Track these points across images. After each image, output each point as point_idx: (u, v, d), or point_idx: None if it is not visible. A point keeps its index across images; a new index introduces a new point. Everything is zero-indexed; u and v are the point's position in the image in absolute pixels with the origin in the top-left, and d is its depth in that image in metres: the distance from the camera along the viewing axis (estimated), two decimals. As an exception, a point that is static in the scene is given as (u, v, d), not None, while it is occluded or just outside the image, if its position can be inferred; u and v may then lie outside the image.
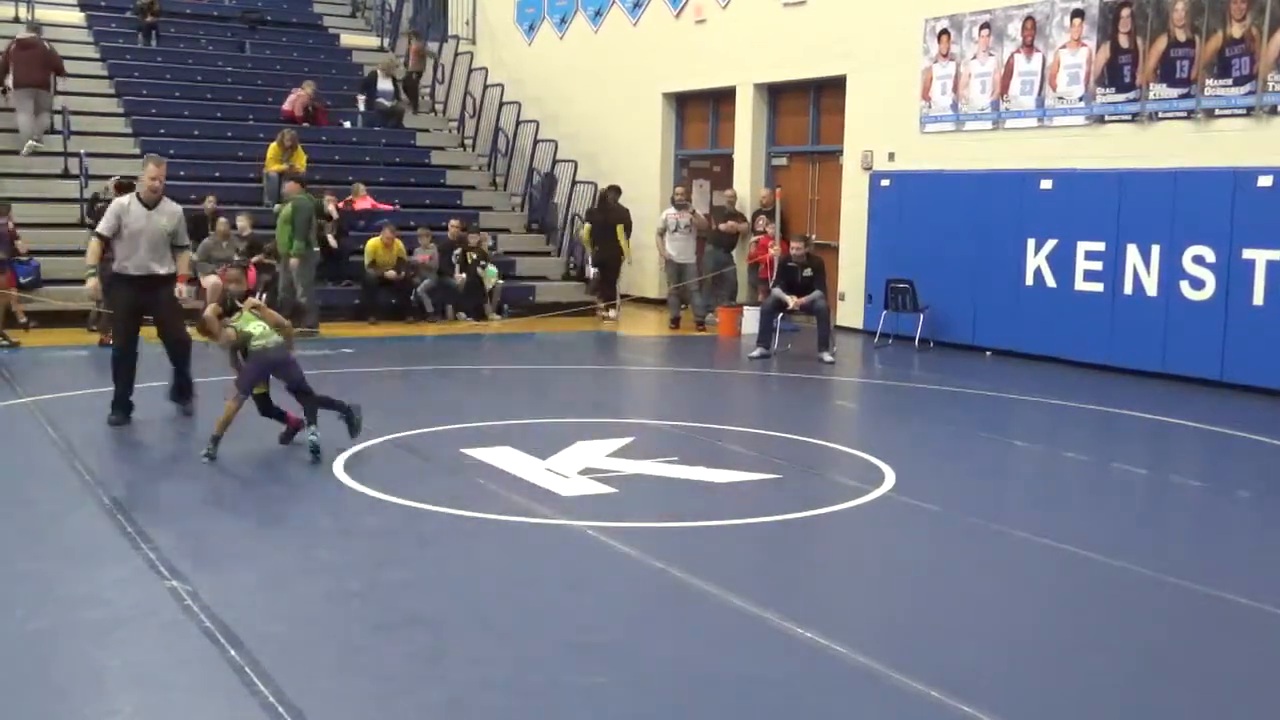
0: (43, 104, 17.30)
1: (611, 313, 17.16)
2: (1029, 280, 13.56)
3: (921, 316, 14.34)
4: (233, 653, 4.65)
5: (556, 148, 19.59)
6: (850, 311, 15.76)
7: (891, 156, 15.43)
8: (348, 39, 23.50)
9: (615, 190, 17.28)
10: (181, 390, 9.37)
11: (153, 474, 7.58)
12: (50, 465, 7.79)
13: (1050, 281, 13.33)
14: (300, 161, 17.50)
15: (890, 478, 7.79)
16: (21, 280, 14.25)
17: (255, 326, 8.03)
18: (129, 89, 19.25)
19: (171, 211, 9.13)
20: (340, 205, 16.75)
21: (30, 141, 17.04)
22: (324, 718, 4.17)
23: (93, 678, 4.52)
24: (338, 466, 7.75)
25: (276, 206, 15.25)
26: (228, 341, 8.09)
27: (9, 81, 17.17)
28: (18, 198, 15.44)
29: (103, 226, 8.99)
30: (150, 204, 8.98)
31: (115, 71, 19.71)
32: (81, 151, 16.33)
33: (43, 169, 16.83)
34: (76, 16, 21.14)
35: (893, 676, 4.57)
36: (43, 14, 19.91)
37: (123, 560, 5.83)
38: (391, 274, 16.14)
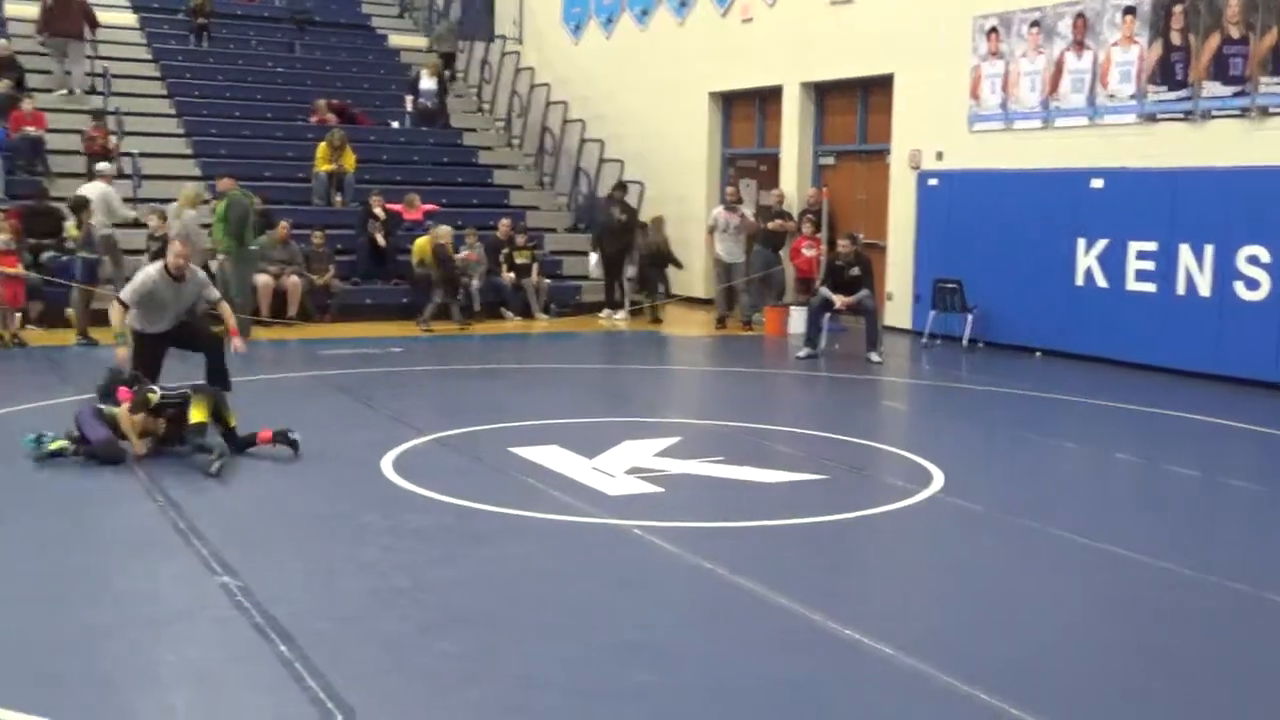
0: (76, 53, 18.32)
1: (619, 314, 17.16)
2: (1079, 280, 13.42)
3: (970, 316, 14.24)
4: (283, 648, 4.70)
5: (603, 147, 19.61)
6: (898, 311, 15.68)
7: (939, 156, 15.33)
8: (395, 39, 23.65)
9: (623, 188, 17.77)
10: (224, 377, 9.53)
11: (202, 470, 7.65)
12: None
13: (1101, 281, 13.20)
14: (349, 161, 17.67)
15: (939, 479, 7.74)
16: (76, 277, 14.46)
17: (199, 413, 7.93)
18: (181, 89, 19.48)
19: (200, 281, 9.30)
20: (387, 207, 16.82)
21: (63, 89, 18.20)
22: (373, 714, 4.19)
23: (146, 672, 4.57)
24: (386, 465, 7.80)
25: (213, 204, 14.89)
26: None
27: (47, 34, 18.33)
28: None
29: (128, 295, 8.98)
30: (178, 277, 9.03)
31: (168, 72, 19.94)
32: (135, 152, 16.56)
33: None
34: (130, 18, 21.40)
35: (940, 678, 4.54)
36: (97, 16, 20.17)
37: (175, 556, 5.91)
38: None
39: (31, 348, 12.80)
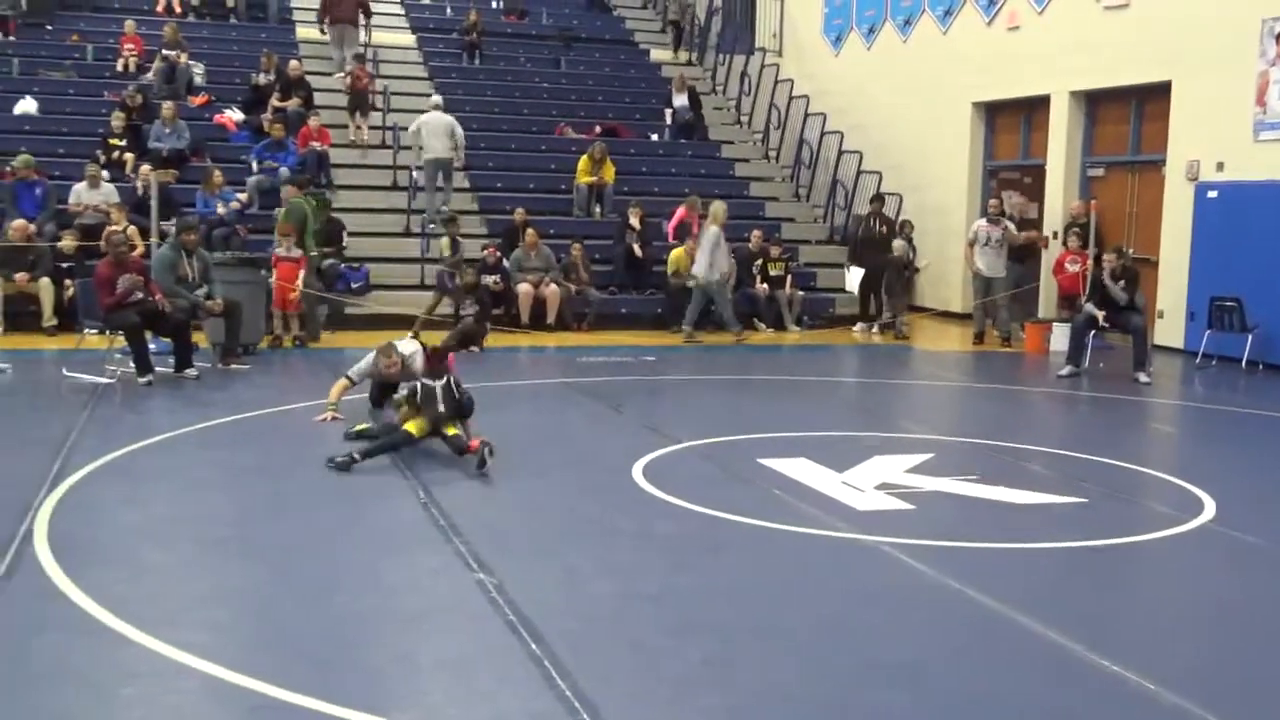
0: (351, 39, 20.38)
1: (874, 328, 16.86)
2: (1376, 300, 12.47)
3: (1250, 336, 13.41)
4: (533, 646, 4.83)
5: (861, 159, 19.41)
6: (1169, 330, 14.91)
7: (1220, 166, 14.51)
8: (657, 54, 24.04)
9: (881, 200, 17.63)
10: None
11: (463, 471, 7.95)
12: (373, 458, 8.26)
13: (1401, 301, 12.22)
14: (609, 174, 18.08)
15: (1210, 507, 7.32)
16: (353, 285, 15.36)
17: (413, 426, 8.19)
18: (453, 106, 20.24)
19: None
20: (644, 216, 17.10)
21: (341, 73, 19.78)
22: (616, 715, 4.27)
23: (406, 660, 4.79)
24: (637, 471, 7.93)
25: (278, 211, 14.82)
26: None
27: (327, 21, 20.57)
28: (351, 208, 16.68)
29: (356, 371, 9.22)
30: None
31: (442, 89, 20.81)
32: (411, 165, 17.40)
33: (374, 181, 18.02)
34: (409, 39, 22.56)
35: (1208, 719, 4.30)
36: (378, 37, 21.39)
37: (435, 551, 6.16)
38: (692, 283, 16.35)
39: (311, 349, 13.59)
